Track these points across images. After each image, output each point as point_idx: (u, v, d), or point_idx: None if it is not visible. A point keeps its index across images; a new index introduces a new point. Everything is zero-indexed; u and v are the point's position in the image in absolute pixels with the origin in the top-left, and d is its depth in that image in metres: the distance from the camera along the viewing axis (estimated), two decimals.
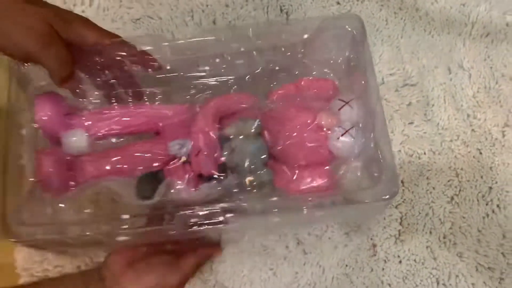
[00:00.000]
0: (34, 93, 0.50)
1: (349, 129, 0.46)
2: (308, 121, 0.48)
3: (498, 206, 0.67)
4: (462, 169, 0.68)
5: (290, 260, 0.66)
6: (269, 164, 0.49)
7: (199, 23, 0.67)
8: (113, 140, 0.51)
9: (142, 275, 0.49)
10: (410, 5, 0.69)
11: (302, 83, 0.51)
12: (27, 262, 0.65)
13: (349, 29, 0.49)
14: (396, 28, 0.69)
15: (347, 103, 0.48)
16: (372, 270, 0.66)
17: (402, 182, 0.68)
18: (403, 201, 0.67)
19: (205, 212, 0.46)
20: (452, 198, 0.68)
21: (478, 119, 0.68)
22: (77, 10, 0.66)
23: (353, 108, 0.48)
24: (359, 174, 0.49)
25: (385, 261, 0.67)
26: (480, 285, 0.66)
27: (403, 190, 0.67)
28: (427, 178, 0.68)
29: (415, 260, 0.67)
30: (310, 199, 0.47)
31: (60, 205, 0.48)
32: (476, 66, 0.69)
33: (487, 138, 0.68)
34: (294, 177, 0.49)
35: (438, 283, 0.66)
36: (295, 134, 0.48)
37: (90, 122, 0.49)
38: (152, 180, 0.48)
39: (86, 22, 0.48)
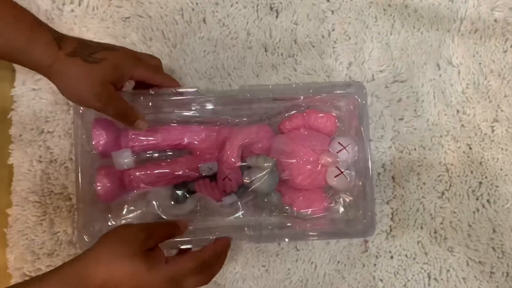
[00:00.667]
0: (90, 119, 0.58)
1: (343, 172, 0.58)
2: (312, 159, 0.59)
3: (488, 200, 0.68)
4: (452, 164, 0.68)
5: (282, 257, 0.66)
6: (279, 186, 0.61)
7: (189, 21, 0.67)
8: (155, 155, 0.63)
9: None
10: (399, 2, 0.69)
11: (308, 115, 0.61)
12: (19, 261, 0.64)
13: (356, 96, 0.60)
14: (386, 25, 0.69)
15: (344, 147, 0.59)
16: (363, 266, 0.67)
17: (393, 178, 0.68)
18: (394, 197, 0.68)
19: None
20: (442, 193, 0.68)
21: (468, 114, 0.69)
22: (67, 10, 0.66)
23: (349, 152, 0.59)
24: (346, 206, 0.61)
25: (376, 256, 0.67)
26: (471, 279, 0.67)
27: (394, 186, 0.68)
28: (418, 173, 0.68)
29: (406, 255, 0.67)
30: (308, 225, 0.61)
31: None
32: (465, 62, 0.69)
33: (476, 133, 0.69)
34: (298, 198, 0.60)
35: (429, 278, 0.67)
36: (301, 167, 0.59)
37: (135, 141, 0.60)
38: (185, 189, 0.61)
39: (145, 67, 0.55)
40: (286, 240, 0.62)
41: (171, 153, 0.63)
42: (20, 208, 0.65)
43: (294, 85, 0.64)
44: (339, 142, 0.59)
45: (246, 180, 0.58)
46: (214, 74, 0.68)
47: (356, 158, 0.59)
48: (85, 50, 0.49)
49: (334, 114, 0.61)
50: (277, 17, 0.68)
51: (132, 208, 0.59)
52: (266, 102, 0.61)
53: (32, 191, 0.65)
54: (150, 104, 0.58)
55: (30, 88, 0.66)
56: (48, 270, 0.63)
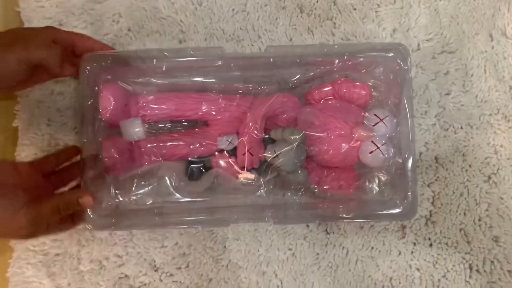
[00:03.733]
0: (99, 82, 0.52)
1: (380, 147, 0.51)
2: (344, 132, 0.53)
3: None
4: (501, 146, 0.62)
5: (311, 240, 0.60)
6: (305, 163, 0.54)
7: None
8: (167, 125, 0.56)
9: None
10: None
11: (340, 84, 0.54)
12: None
13: (398, 60, 0.53)
14: None
15: (381, 120, 0.52)
16: (400, 253, 0.61)
17: (436, 158, 0.62)
18: (436, 179, 0.61)
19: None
20: (489, 177, 0.62)
21: None
22: None
23: (387, 125, 0.52)
24: (381, 186, 0.55)
25: (414, 244, 0.61)
26: None
27: (437, 167, 0.62)
28: (463, 154, 0.62)
29: (447, 244, 0.61)
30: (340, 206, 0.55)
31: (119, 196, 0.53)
32: None
33: None
34: (327, 176, 0.55)
35: (471, 269, 0.61)
36: (332, 142, 0.53)
37: (146, 109, 0.54)
38: (200, 165, 0.55)
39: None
40: (316, 221, 0.56)
41: (185, 124, 0.57)
42: None
43: (326, 47, 0.55)
44: (375, 114, 0.52)
45: (270, 155, 0.52)
46: (243, 36, 0.61)
47: (394, 133, 0.52)
48: None
49: (370, 83, 0.54)
50: None
51: (142, 183, 0.53)
52: (294, 67, 0.54)
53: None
54: (164, 68, 0.52)
55: None
56: (53, 244, 0.59)
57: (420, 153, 0.61)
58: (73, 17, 0.60)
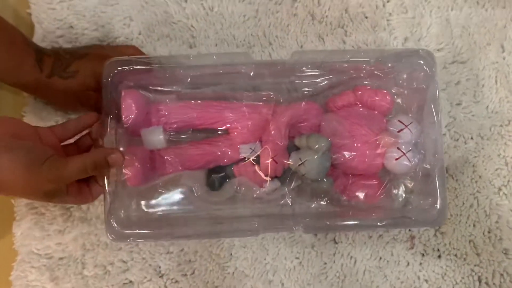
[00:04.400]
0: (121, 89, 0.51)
1: (406, 153, 0.51)
2: (369, 139, 0.52)
3: None
4: None
5: (318, 249, 0.60)
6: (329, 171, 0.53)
7: None
8: (189, 133, 0.55)
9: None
10: None
11: (361, 92, 0.54)
12: (26, 238, 0.58)
13: (424, 67, 0.53)
14: None
15: (406, 126, 0.52)
16: (408, 264, 0.60)
17: (446, 169, 0.61)
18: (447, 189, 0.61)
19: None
20: (499, 189, 0.61)
21: None
22: None
23: (412, 132, 0.52)
24: (407, 192, 0.55)
25: (423, 255, 0.60)
26: None
27: (447, 177, 0.61)
28: (474, 165, 0.61)
29: (456, 255, 0.60)
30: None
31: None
32: None
33: None
34: (351, 184, 0.54)
35: (480, 282, 0.60)
36: (357, 149, 0.52)
37: (167, 118, 0.53)
38: (220, 174, 0.54)
39: None
40: (348, 229, 0.55)
41: (206, 132, 0.56)
42: None
43: (351, 53, 0.56)
44: (399, 121, 0.52)
45: (294, 163, 0.51)
46: (254, 43, 0.61)
47: (419, 139, 0.52)
48: (60, 66, 0.52)
49: (394, 90, 0.54)
50: None
51: (165, 193, 0.53)
52: (316, 74, 0.54)
53: None
54: (189, 79, 0.52)
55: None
56: (57, 248, 0.58)
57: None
58: (84, 20, 0.60)
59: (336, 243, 0.60)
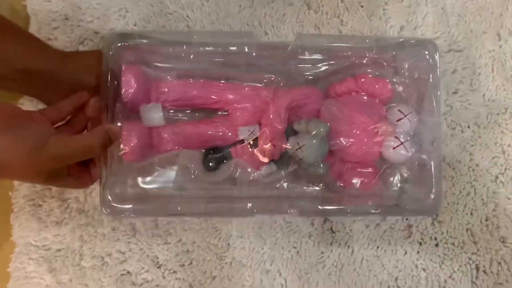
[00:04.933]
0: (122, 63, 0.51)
1: (403, 142, 0.51)
2: (368, 127, 0.52)
3: None
4: (509, 145, 0.61)
5: (316, 238, 0.60)
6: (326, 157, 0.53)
7: None
8: (188, 112, 0.56)
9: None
10: None
11: (362, 80, 0.54)
12: (24, 229, 0.58)
13: (428, 57, 0.54)
14: None
15: (405, 116, 0.52)
16: (406, 253, 0.60)
17: (442, 157, 0.61)
18: (443, 178, 0.61)
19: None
20: (496, 177, 0.61)
21: None
22: None
23: (411, 121, 0.52)
24: (403, 182, 0.55)
25: (420, 243, 0.60)
26: None
27: (444, 166, 0.61)
28: (470, 154, 0.61)
29: (453, 244, 0.60)
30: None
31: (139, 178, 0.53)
32: None
33: None
34: (347, 171, 0.54)
35: (478, 270, 0.60)
36: (356, 136, 0.52)
37: (167, 95, 0.52)
38: (218, 155, 0.54)
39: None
40: (340, 215, 0.56)
41: (206, 112, 0.56)
42: None
43: (356, 39, 0.56)
44: (399, 110, 0.52)
45: (291, 147, 0.51)
46: None
47: (417, 130, 0.52)
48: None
49: (395, 80, 0.54)
50: None
51: (161, 170, 0.53)
52: (319, 59, 0.54)
53: None
54: (191, 57, 0.52)
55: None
56: (55, 239, 0.58)
57: None
58: (79, 11, 0.60)
59: (333, 232, 0.60)
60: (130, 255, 0.58)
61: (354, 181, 0.54)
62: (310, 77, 0.56)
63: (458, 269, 0.60)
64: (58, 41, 0.59)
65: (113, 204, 0.51)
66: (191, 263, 0.58)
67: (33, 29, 0.60)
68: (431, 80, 0.54)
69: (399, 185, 0.54)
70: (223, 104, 0.54)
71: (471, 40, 0.62)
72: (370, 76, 0.55)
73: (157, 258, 0.59)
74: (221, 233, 0.59)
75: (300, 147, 0.50)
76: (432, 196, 0.53)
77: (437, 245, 0.60)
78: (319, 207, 0.53)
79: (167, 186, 0.53)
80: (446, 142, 0.61)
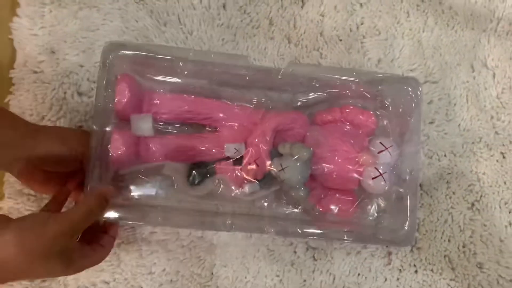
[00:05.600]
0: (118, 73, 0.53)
1: (382, 174, 0.53)
2: (350, 155, 0.54)
3: None
4: (484, 173, 0.63)
5: (298, 266, 0.61)
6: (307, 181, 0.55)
7: (207, 6, 0.62)
8: (177, 126, 0.57)
9: None
10: None
11: (348, 110, 0.56)
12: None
13: (411, 93, 0.55)
14: (418, 21, 0.64)
15: (386, 149, 0.54)
16: (386, 279, 0.61)
17: (420, 185, 0.63)
18: (421, 206, 0.62)
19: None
20: (473, 204, 0.63)
21: (502, 121, 0.64)
22: None
23: (391, 154, 0.54)
24: (379, 212, 0.57)
25: (400, 270, 0.62)
26: None
27: (421, 194, 0.63)
28: (447, 182, 0.63)
29: (432, 270, 0.62)
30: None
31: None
32: (501, 65, 0.65)
33: (511, 141, 0.64)
34: (326, 197, 0.56)
35: None
36: (337, 163, 0.54)
37: (159, 108, 0.54)
38: (202, 169, 0.55)
39: None
40: (315, 238, 0.56)
41: (193, 128, 0.57)
42: (13, 201, 0.59)
43: (345, 72, 0.58)
44: (381, 142, 0.54)
45: (275, 169, 0.53)
46: None
47: (397, 163, 0.54)
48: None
49: (378, 112, 0.56)
50: (302, 6, 0.63)
51: (145, 180, 0.54)
52: (308, 87, 0.56)
53: None
54: (186, 73, 0.53)
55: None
56: None
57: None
58: (65, 45, 0.61)
59: (315, 260, 0.61)
60: (115, 285, 0.59)
61: (332, 207, 0.55)
62: (298, 103, 0.58)
63: None
64: (44, 74, 0.60)
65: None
66: None
67: (19, 62, 0.61)
68: (413, 118, 0.56)
69: (375, 215, 0.56)
70: (212, 121, 0.55)
71: (446, 72, 0.64)
72: (355, 107, 0.56)
73: (141, 287, 0.59)
74: (204, 263, 0.60)
75: (283, 169, 0.52)
76: (406, 228, 0.55)
77: (416, 271, 0.62)
78: (297, 229, 0.54)
79: (149, 195, 0.54)
80: (423, 170, 0.63)
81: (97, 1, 0.61)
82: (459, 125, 0.64)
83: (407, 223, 0.55)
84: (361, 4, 0.64)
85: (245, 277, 0.60)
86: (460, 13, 0.65)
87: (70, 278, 0.58)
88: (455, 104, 0.64)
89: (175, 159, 0.54)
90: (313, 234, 0.55)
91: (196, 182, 0.55)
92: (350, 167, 0.54)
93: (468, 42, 0.65)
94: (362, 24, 0.64)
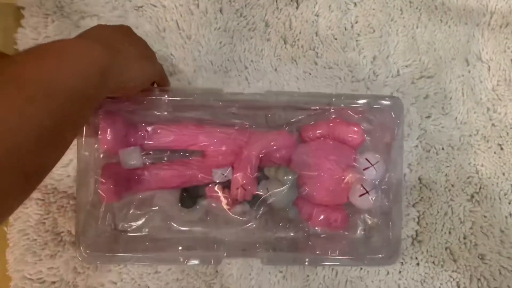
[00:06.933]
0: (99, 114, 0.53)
1: (368, 191, 0.53)
2: (336, 174, 0.55)
3: None
4: (482, 165, 0.64)
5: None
6: (296, 199, 0.56)
7: (205, 11, 0.64)
8: (166, 154, 0.58)
9: None
10: None
11: (333, 124, 0.57)
12: (19, 263, 0.60)
13: (392, 114, 0.55)
14: (412, 17, 0.65)
15: (372, 165, 0.54)
16: (388, 273, 0.62)
17: (419, 179, 0.64)
18: (420, 199, 0.63)
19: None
20: (472, 196, 0.64)
21: (499, 113, 0.65)
22: None
23: (377, 171, 0.54)
24: (367, 228, 0.58)
25: (402, 263, 0.63)
26: None
27: (421, 187, 0.64)
28: (446, 174, 0.64)
29: (433, 262, 0.63)
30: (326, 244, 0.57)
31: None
32: (495, 57, 0.65)
33: (508, 132, 0.65)
34: (316, 213, 0.56)
35: (458, 287, 0.62)
36: (323, 182, 0.55)
37: (145, 139, 0.56)
38: (194, 193, 0.57)
39: None
40: (306, 263, 0.56)
41: (183, 153, 0.59)
42: (21, 205, 0.61)
43: (323, 97, 0.57)
44: (366, 159, 0.55)
45: (262, 193, 0.54)
46: (230, 67, 0.64)
47: (384, 178, 0.55)
48: None
49: (363, 127, 0.56)
50: (297, 7, 0.65)
51: (138, 212, 0.56)
52: (290, 110, 0.57)
53: None
54: (167, 107, 0.55)
55: None
56: (49, 272, 0.60)
57: (404, 175, 0.63)
58: None
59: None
60: (122, 285, 0.60)
61: (322, 222, 0.56)
62: (283, 122, 0.58)
63: (440, 287, 0.62)
64: None
65: (87, 252, 0.53)
66: None
67: None
68: (396, 135, 0.55)
69: (363, 230, 0.57)
70: (199, 147, 0.56)
71: (441, 66, 0.65)
72: (341, 120, 0.56)
73: (148, 287, 0.61)
74: None
75: (269, 194, 0.53)
76: (389, 245, 0.55)
77: (418, 264, 0.63)
78: (287, 256, 0.56)
79: (143, 228, 0.56)
80: (421, 164, 0.64)
81: (97, 10, 0.63)
82: (455, 118, 0.65)
83: (392, 240, 0.55)
84: (355, 3, 0.65)
85: (249, 274, 0.61)
86: (453, 9, 0.66)
87: (78, 280, 0.60)
88: (451, 98, 0.65)
89: (167, 187, 0.56)
90: (303, 260, 0.56)
91: (187, 203, 0.56)
92: (336, 186, 0.55)
93: (462, 36, 0.66)
94: (356, 22, 0.65)
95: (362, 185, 0.53)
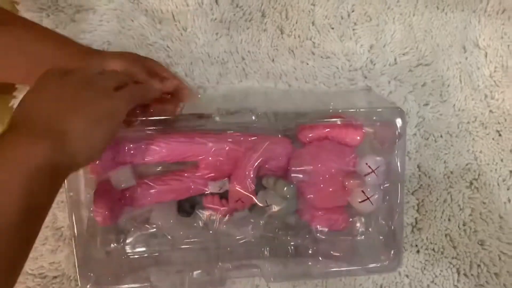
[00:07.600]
0: None
1: (369, 197, 0.52)
2: (336, 181, 0.54)
3: None
4: (481, 152, 0.64)
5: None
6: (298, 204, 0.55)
7: (200, 2, 0.63)
8: (159, 168, 0.57)
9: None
10: None
11: (332, 124, 0.55)
12: None
13: (396, 124, 0.54)
14: (408, 5, 0.65)
15: (373, 171, 0.53)
16: None
17: (418, 166, 0.64)
18: (419, 187, 0.64)
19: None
20: (471, 183, 0.64)
21: (496, 99, 0.65)
22: None
23: (378, 176, 0.53)
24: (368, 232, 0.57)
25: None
26: (504, 274, 0.62)
27: (420, 175, 0.64)
28: (445, 162, 0.64)
29: (433, 249, 0.63)
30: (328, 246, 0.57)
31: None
32: (492, 44, 0.65)
33: (506, 119, 0.65)
34: (317, 215, 0.55)
35: (459, 274, 0.63)
36: (323, 189, 0.54)
37: (135, 157, 0.54)
38: (192, 201, 0.56)
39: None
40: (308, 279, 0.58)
41: (177, 165, 0.56)
42: None
43: (321, 113, 0.55)
44: (366, 164, 0.53)
45: (261, 204, 0.53)
46: (227, 59, 0.64)
47: (385, 183, 0.54)
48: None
49: (364, 130, 0.54)
50: None
51: (134, 230, 0.56)
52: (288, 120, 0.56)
53: None
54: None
55: None
56: (50, 267, 0.61)
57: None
58: None
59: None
60: None
61: (324, 224, 0.55)
62: (280, 130, 0.56)
63: (440, 274, 0.63)
64: None
65: (87, 277, 0.53)
66: None
67: None
68: (398, 146, 0.54)
69: (362, 237, 0.57)
70: (193, 158, 0.54)
71: (438, 54, 0.65)
72: (341, 120, 0.54)
73: (149, 278, 0.61)
74: None
75: (268, 205, 0.53)
76: (391, 253, 0.55)
77: (418, 251, 0.63)
78: (291, 271, 0.57)
79: (142, 247, 0.56)
80: (420, 152, 0.64)
81: (93, 3, 0.63)
82: (453, 105, 0.65)
83: (393, 245, 0.55)
84: None
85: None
86: None
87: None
88: (448, 85, 0.65)
89: (162, 200, 0.55)
90: (307, 275, 0.57)
91: (185, 211, 0.55)
92: (337, 192, 0.54)
93: (459, 23, 0.66)
94: (353, 11, 0.65)
95: (362, 191, 0.53)
